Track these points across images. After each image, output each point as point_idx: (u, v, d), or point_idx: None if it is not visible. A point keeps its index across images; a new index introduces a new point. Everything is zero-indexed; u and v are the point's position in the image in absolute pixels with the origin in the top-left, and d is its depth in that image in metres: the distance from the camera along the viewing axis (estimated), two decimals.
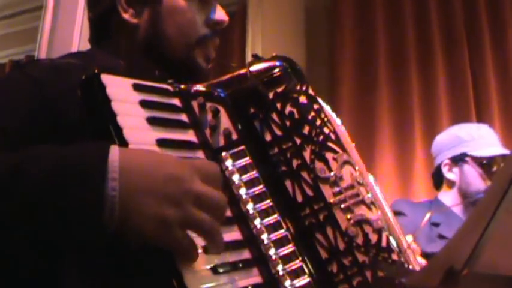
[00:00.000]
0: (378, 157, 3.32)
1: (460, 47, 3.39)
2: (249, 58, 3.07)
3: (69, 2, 2.32)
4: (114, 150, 0.76)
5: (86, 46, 2.00)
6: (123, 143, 0.82)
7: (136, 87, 0.90)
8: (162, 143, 0.87)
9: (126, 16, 1.16)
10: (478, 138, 2.41)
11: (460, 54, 3.37)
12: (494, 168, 2.35)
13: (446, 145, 2.47)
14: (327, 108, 1.10)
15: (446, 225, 2.30)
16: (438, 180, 2.52)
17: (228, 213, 0.88)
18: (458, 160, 2.41)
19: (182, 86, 0.97)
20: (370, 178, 1.09)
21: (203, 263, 0.80)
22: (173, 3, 1.16)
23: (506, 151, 2.39)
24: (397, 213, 2.33)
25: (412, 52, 3.46)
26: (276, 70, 1.02)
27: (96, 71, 0.86)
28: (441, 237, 2.27)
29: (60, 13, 2.31)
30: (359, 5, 3.67)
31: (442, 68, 3.38)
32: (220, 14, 1.20)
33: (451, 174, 2.43)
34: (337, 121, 1.12)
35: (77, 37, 2.24)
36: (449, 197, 2.44)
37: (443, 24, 3.47)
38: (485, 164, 2.36)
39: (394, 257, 0.96)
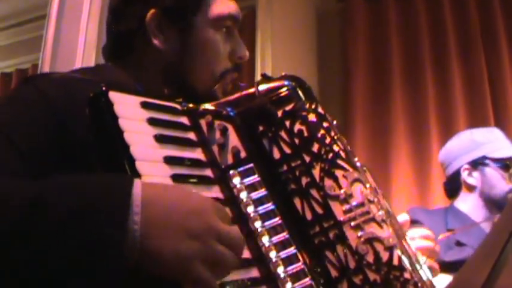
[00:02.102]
0: (394, 163, 3.27)
1: (475, 49, 3.34)
2: (258, 65, 3.04)
3: (73, 11, 2.34)
4: (138, 184, 0.77)
5: (90, 55, 2.00)
6: (131, 160, 0.83)
7: (144, 105, 0.91)
8: (169, 160, 0.87)
9: (155, 41, 1.15)
10: (495, 141, 2.39)
11: (476, 57, 3.32)
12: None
13: (462, 150, 2.42)
14: None
15: (463, 232, 2.25)
16: (454, 187, 2.46)
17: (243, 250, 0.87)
18: (478, 164, 2.37)
19: (190, 105, 0.98)
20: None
21: None
22: (204, 34, 1.16)
23: None
24: (413, 222, 2.29)
25: (427, 56, 3.41)
26: (285, 89, 1.02)
27: (104, 88, 0.87)
28: (459, 244, 2.22)
29: (63, 22, 2.33)
30: (372, 8, 3.64)
31: (458, 71, 3.33)
32: (244, 49, 1.21)
33: (471, 179, 2.38)
34: None
35: (81, 46, 2.26)
36: (468, 203, 2.38)
37: (459, 26, 3.43)
38: (506, 166, 2.32)
39: (406, 275, 0.94)
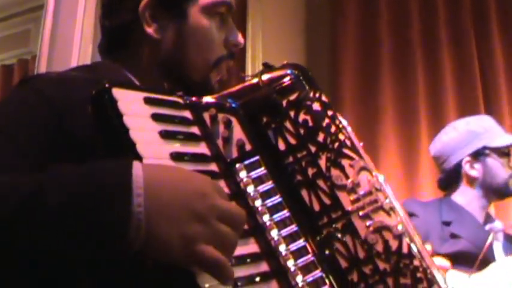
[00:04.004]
0: (382, 151, 3.24)
1: (466, 36, 3.32)
2: (249, 54, 3.04)
3: (69, 6, 2.33)
4: (138, 165, 0.75)
5: (86, 49, 2.00)
6: (137, 158, 0.81)
7: (148, 101, 0.89)
8: (175, 156, 0.86)
9: (149, 30, 1.13)
10: (490, 129, 2.38)
11: (466, 44, 3.31)
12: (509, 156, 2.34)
13: (462, 142, 2.39)
14: None
15: (458, 224, 2.26)
16: (453, 180, 2.44)
17: (245, 226, 0.87)
18: (479, 155, 2.36)
19: (193, 98, 0.96)
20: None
21: None
22: (198, 21, 1.14)
23: None
24: (408, 215, 2.30)
25: (418, 43, 3.38)
26: (288, 78, 1.00)
27: (107, 84, 0.85)
28: (453, 236, 2.23)
29: (60, 17, 2.32)
30: None
31: (449, 59, 3.31)
32: (239, 36, 1.19)
33: (473, 171, 2.36)
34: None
35: (78, 40, 2.25)
36: (467, 195, 2.38)
37: (450, 12, 3.40)
38: (505, 153, 2.33)
39: (416, 263, 0.94)
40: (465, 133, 2.40)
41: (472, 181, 2.38)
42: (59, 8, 2.32)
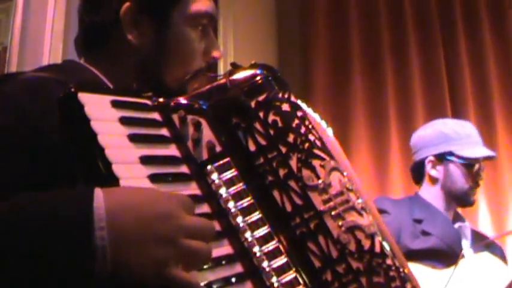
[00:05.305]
0: (354, 152, 3.27)
1: (434, 40, 3.39)
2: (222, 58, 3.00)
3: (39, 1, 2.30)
4: (99, 196, 0.73)
5: (57, 45, 1.97)
6: (106, 164, 0.80)
7: (115, 104, 0.87)
8: (145, 160, 0.85)
9: (129, 36, 1.10)
10: (464, 137, 2.40)
11: (434, 48, 3.37)
12: (476, 168, 2.36)
13: (431, 141, 2.45)
14: (313, 114, 1.08)
15: (429, 221, 2.31)
16: (418, 175, 2.51)
17: (218, 227, 0.86)
18: (443, 158, 2.40)
19: (161, 100, 0.94)
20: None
21: None
22: (181, 32, 1.12)
23: (490, 152, 2.41)
24: (380, 212, 2.34)
25: (387, 46, 3.43)
26: (257, 78, 0.99)
27: (73, 89, 0.83)
28: (424, 233, 2.28)
29: (30, 12, 2.29)
30: None
31: (417, 62, 3.38)
32: (218, 49, 1.19)
33: (434, 171, 2.42)
34: (325, 127, 1.10)
35: (48, 36, 2.22)
36: (431, 192, 2.44)
37: (418, 17, 3.46)
38: (470, 165, 2.37)
39: (389, 262, 0.94)
40: (438, 133, 2.45)
41: (433, 180, 2.44)
42: (28, 5, 2.29)
